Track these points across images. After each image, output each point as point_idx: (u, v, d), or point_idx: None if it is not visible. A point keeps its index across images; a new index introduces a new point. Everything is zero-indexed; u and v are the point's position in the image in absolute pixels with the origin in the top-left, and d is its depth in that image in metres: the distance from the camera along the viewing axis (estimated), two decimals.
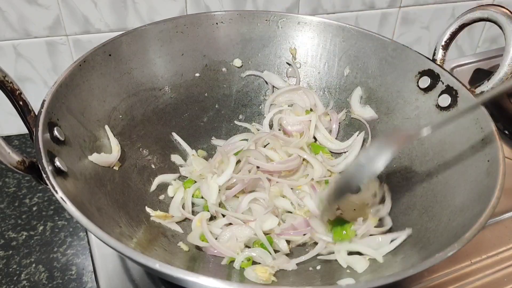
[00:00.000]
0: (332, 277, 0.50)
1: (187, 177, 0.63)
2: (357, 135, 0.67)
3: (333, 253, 0.53)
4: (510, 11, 0.53)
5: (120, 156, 0.57)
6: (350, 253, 0.52)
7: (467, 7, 0.58)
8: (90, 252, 0.57)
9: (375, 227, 0.55)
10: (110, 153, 0.55)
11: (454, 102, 0.57)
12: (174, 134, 0.66)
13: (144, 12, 0.76)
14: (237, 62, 0.70)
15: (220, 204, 0.58)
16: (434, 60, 0.61)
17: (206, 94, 0.69)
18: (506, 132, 0.77)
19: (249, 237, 0.53)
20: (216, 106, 0.70)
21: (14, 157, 0.41)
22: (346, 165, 0.64)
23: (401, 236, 0.50)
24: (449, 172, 0.54)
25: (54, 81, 0.51)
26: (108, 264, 0.54)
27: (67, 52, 0.76)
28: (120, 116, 0.60)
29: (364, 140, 0.67)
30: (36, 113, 0.46)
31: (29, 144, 0.78)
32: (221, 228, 0.55)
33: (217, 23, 0.68)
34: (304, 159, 0.63)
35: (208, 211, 0.57)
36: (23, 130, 0.48)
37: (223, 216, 0.56)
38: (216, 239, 0.53)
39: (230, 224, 0.55)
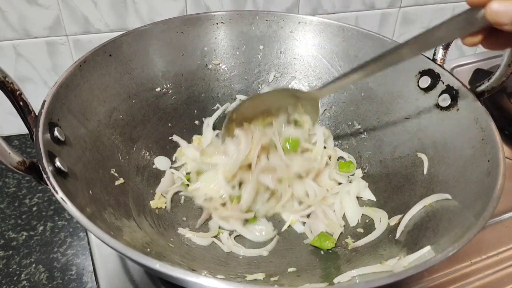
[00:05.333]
0: None
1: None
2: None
3: None
4: None
5: (121, 157, 0.57)
6: None
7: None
8: (90, 252, 0.57)
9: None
10: None
11: (454, 102, 0.57)
12: (175, 136, 0.66)
13: (144, 12, 0.76)
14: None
15: None
16: (434, 60, 0.61)
17: (206, 94, 0.69)
18: (506, 132, 0.77)
19: None
20: (216, 106, 0.70)
21: (14, 158, 0.41)
22: None
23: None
24: (449, 172, 0.54)
25: (54, 81, 0.51)
26: (108, 264, 0.54)
27: (67, 52, 0.76)
28: (121, 116, 0.60)
29: None
30: (37, 114, 0.46)
31: (29, 144, 0.78)
32: None
33: (217, 23, 0.68)
34: None
35: None
36: (23, 130, 0.48)
37: None
38: None
39: None
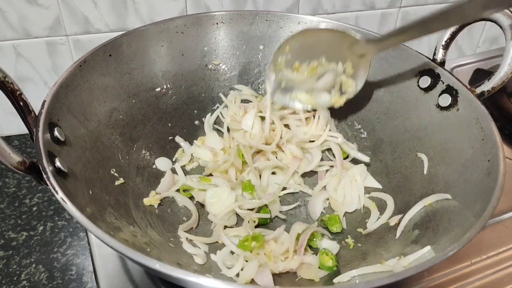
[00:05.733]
0: None
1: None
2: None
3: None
4: (510, 11, 0.53)
5: (121, 157, 0.57)
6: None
7: None
8: (90, 252, 0.57)
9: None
10: None
11: (454, 102, 0.57)
12: (177, 137, 0.66)
13: (144, 12, 0.76)
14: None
15: None
16: (434, 60, 0.61)
17: (206, 94, 0.69)
18: (506, 132, 0.77)
19: None
20: (216, 106, 0.70)
21: (14, 158, 0.41)
22: None
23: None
24: (449, 172, 0.54)
25: (54, 81, 0.51)
26: (108, 264, 0.54)
27: (67, 52, 0.76)
28: (121, 117, 0.60)
29: None
30: (37, 114, 0.46)
31: (29, 144, 0.78)
32: None
33: (217, 23, 0.68)
34: None
35: None
36: (23, 130, 0.48)
37: None
38: None
39: None
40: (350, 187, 0.61)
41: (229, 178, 0.61)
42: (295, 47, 0.62)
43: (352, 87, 0.63)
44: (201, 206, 0.59)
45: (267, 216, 0.57)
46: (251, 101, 0.70)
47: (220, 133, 0.69)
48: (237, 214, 0.58)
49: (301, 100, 0.64)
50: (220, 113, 0.70)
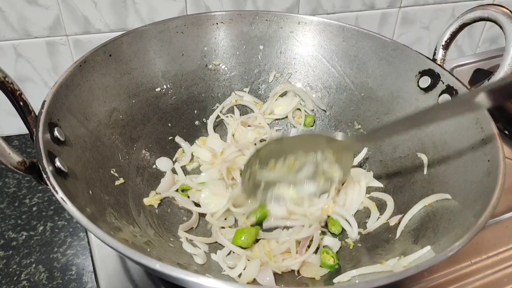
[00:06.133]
0: None
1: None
2: None
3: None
4: (510, 11, 0.53)
5: (121, 157, 0.57)
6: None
7: (467, 7, 0.58)
8: (90, 252, 0.57)
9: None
10: None
11: None
12: (177, 137, 0.66)
13: (144, 12, 0.76)
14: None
15: None
16: (434, 60, 0.61)
17: (206, 94, 0.69)
18: (506, 132, 0.77)
19: None
20: (216, 106, 0.70)
21: (14, 158, 0.41)
22: None
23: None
24: (449, 172, 0.54)
25: (54, 82, 0.51)
26: (108, 264, 0.54)
27: (67, 52, 0.76)
28: (121, 117, 0.60)
29: None
30: (37, 114, 0.46)
31: (29, 144, 0.78)
32: None
33: (217, 23, 0.68)
34: None
35: None
36: (23, 130, 0.48)
37: None
38: None
39: None
40: (352, 190, 0.61)
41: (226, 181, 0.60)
42: (266, 152, 0.56)
43: (337, 172, 0.58)
44: (200, 206, 0.59)
45: (254, 220, 0.56)
46: (251, 108, 0.70)
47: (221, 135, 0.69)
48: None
49: (285, 197, 0.58)
50: (219, 115, 0.70)
